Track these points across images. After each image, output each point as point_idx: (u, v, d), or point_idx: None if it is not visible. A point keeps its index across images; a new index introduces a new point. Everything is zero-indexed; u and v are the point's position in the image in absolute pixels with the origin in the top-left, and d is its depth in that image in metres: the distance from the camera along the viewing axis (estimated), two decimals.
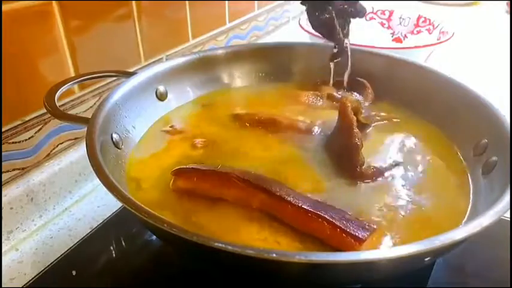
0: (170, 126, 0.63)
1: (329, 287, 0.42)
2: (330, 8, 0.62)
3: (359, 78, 0.70)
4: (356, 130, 0.54)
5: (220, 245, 0.34)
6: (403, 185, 0.52)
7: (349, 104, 0.56)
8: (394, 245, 0.44)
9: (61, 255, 0.57)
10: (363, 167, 0.53)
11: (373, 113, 0.66)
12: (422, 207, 0.49)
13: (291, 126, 0.62)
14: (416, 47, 0.94)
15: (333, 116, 0.60)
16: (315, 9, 0.63)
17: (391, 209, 0.49)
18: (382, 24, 1.16)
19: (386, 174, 0.54)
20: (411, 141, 0.61)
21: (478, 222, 0.37)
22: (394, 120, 0.65)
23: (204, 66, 0.71)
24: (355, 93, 0.70)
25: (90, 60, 0.67)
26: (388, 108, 0.67)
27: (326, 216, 0.43)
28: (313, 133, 0.61)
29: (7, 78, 0.56)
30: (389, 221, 0.47)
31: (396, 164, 0.55)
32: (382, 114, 0.66)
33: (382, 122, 0.64)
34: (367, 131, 0.62)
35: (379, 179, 0.53)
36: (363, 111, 0.63)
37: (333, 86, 0.71)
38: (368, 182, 0.52)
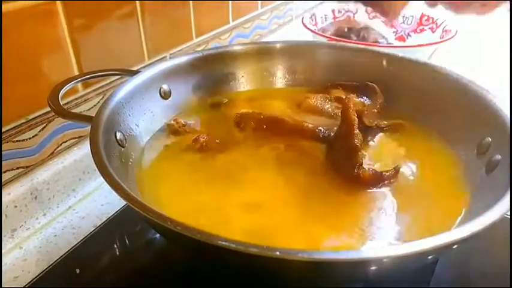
0: (174, 120, 0.64)
1: (332, 286, 0.42)
2: None
3: (369, 83, 0.69)
4: (356, 131, 0.53)
5: (223, 243, 0.34)
6: (404, 187, 0.53)
7: (351, 105, 0.56)
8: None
9: (65, 253, 0.57)
10: (362, 169, 0.52)
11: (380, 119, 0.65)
12: (423, 208, 0.50)
13: (296, 127, 0.61)
14: (419, 45, 0.94)
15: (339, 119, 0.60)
16: None
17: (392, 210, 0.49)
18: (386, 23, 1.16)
19: (385, 177, 0.53)
20: (415, 145, 0.60)
21: (481, 221, 0.37)
22: (399, 123, 0.64)
23: (208, 65, 0.71)
24: (365, 98, 0.69)
25: (94, 58, 0.68)
26: (393, 110, 0.67)
27: None
28: (319, 135, 0.60)
29: (11, 77, 0.57)
30: (390, 222, 0.48)
31: (397, 169, 0.54)
32: (389, 119, 0.65)
33: (387, 127, 0.64)
34: (374, 137, 0.62)
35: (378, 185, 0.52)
36: (367, 112, 0.63)
37: (343, 89, 0.71)
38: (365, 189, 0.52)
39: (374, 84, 0.69)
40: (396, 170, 0.53)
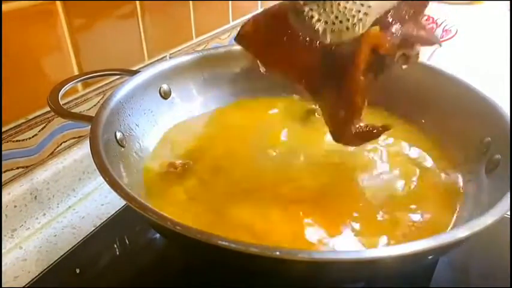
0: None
1: (332, 286, 0.42)
2: None
3: None
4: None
5: (223, 243, 0.34)
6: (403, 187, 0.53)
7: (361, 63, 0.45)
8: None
9: (65, 253, 0.57)
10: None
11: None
12: (423, 208, 0.50)
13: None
14: None
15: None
16: None
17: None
18: None
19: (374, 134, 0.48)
20: (414, 146, 0.60)
21: (481, 221, 0.37)
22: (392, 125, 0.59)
23: (208, 65, 0.71)
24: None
25: (93, 58, 0.67)
26: (393, 109, 0.66)
27: None
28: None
29: (11, 77, 0.57)
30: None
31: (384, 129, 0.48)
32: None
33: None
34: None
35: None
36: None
37: None
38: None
39: None
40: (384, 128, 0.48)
